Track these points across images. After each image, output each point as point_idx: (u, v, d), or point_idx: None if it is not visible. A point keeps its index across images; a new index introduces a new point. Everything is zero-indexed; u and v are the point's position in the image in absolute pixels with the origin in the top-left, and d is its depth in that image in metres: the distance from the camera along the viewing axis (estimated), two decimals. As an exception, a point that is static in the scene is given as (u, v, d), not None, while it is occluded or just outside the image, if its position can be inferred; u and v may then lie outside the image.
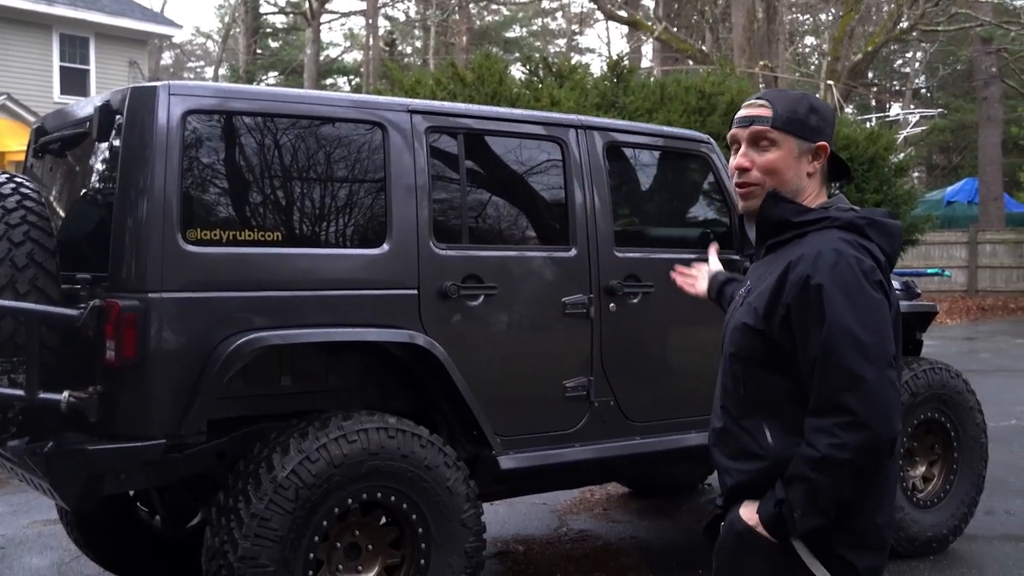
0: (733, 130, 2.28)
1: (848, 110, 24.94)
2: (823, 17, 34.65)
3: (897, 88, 41.50)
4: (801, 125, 2.21)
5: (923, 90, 40.29)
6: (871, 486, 2.10)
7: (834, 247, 2.09)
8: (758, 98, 2.27)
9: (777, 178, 2.21)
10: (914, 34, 24.99)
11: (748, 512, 2.14)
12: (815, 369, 2.04)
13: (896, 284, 5.78)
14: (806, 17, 37.39)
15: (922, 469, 5.59)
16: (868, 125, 12.95)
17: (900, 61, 41.76)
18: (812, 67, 36.48)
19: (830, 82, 21.05)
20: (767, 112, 2.21)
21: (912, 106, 33.53)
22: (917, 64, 39.76)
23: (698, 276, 3.18)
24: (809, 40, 41.63)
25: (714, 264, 3.14)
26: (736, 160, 2.25)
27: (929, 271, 7.31)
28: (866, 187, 10.43)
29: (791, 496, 2.04)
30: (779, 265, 2.14)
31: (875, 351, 2.02)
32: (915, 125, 24.67)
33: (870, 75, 35.83)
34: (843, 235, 2.13)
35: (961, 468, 5.59)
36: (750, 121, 2.23)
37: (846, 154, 10.29)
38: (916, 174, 33.50)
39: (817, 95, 23.74)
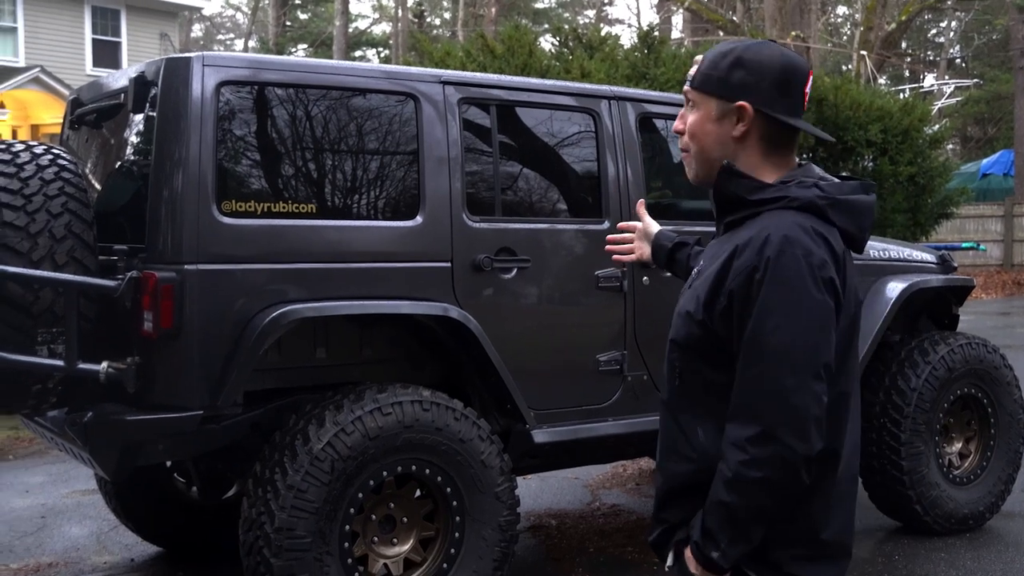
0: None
1: (881, 81, 24.63)
2: (856, -14, 34.16)
3: (931, 58, 40.92)
4: (719, 83, 1.94)
5: (958, 60, 39.72)
6: (809, 499, 1.88)
7: (784, 233, 1.83)
8: (703, 55, 2.05)
9: (698, 143, 1.98)
10: (948, 3, 24.61)
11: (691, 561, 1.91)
12: (737, 369, 1.86)
13: (932, 258, 5.74)
14: (839, -14, 36.88)
15: (958, 445, 5.54)
16: (902, 96, 12.78)
17: (934, 31, 41.17)
18: (844, 38, 36.03)
19: (863, 52, 20.79)
20: (694, 70, 2.00)
21: (947, 77, 33.09)
22: (952, 34, 39.19)
23: (634, 241, 2.76)
24: (841, 10, 41.10)
25: (649, 224, 2.75)
26: (675, 123, 2.08)
27: (964, 245, 7.21)
28: (900, 159, 10.29)
29: (712, 525, 1.84)
30: (727, 248, 1.90)
31: (801, 359, 1.80)
32: (950, 96, 24.36)
33: (904, 45, 35.34)
34: (799, 218, 1.86)
35: (998, 444, 5.53)
36: (687, 81, 2.02)
37: (880, 125, 10.15)
38: (951, 146, 33.10)
39: (850, 66, 23.42)
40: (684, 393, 1.97)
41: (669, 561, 1.98)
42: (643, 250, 2.72)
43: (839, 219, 1.88)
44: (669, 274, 2.72)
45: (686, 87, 2.01)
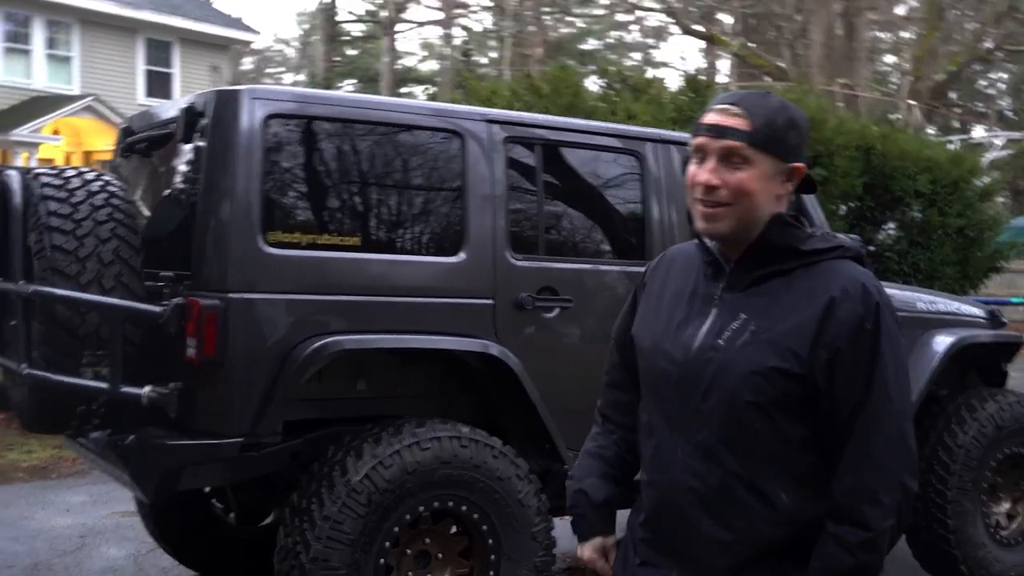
0: (701, 138, 1.94)
1: (930, 131, 24.47)
2: (904, 35, 34.07)
3: (981, 110, 40.60)
4: (779, 143, 1.91)
5: (1008, 112, 39.37)
6: None
7: (874, 283, 1.87)
8: (732, 103, 1.93)
9: (749, 201, 1.90)
10: (998, 54, 24.45)
11: None
12: (851, 433, 1.84)
13: (981, 312, 5.65)
14: (887, 35, 36.80)
15: (1007, 506, 5.38)
16: (951, 147, 12.67)
17: (984, 82, 40.87)
18: (892, 87, 35.89)
19: (912, 102, 20.68)
20: (743, 124, 1.89)
21: (996, 128, 32.78)
22: (1002, 85, 38.87)
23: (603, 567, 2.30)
24: (889, 58, 40.97)
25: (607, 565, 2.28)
26: (704, 176, 1.91)
27: (1014, 300, 7.10)
28: (949, 211, 10.17)
29: None
30: (804, 298, 1.87)
31: (910, 405, 1.89)
32: (1001, 148, 24.12)
33: (952, 95, 35.11)
34: (860, 268, 1.91)
35: (1047, 505, 5.40)
36: (723, 132, 1.90)
37: (929, 176, 10.06)
38: (1001, 199, 32.72)
39: (898, 115, 23.30)
40: (761, 456, 1.88)
41: None
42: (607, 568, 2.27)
43: (869, 268, 1.95)
44: None
45: (735, 143, 1.89)
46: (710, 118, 1.93)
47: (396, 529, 3.69)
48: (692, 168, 1.96)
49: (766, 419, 1.86)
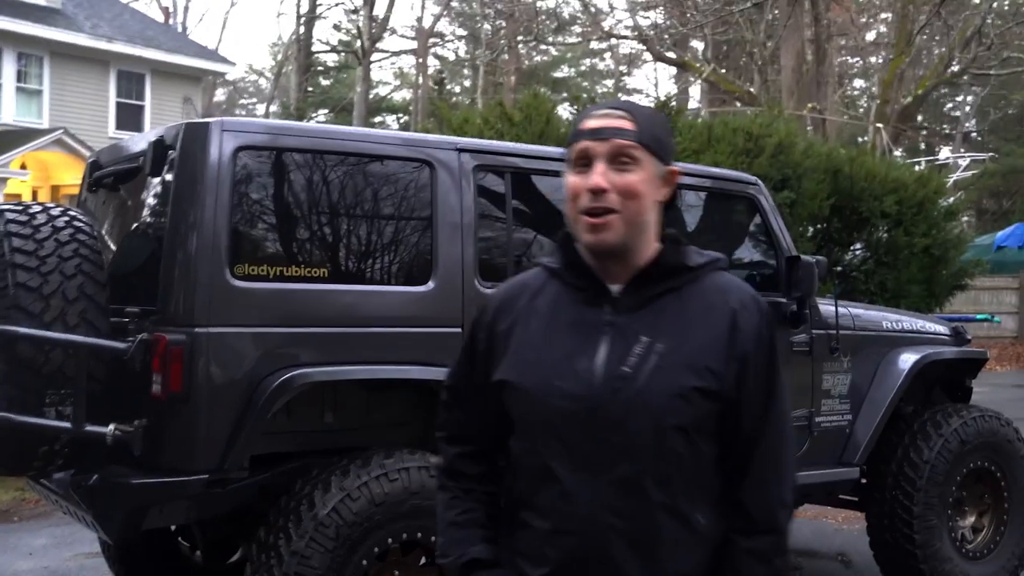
0: (582, 144, 1.84)
1: (897, 153, 24.76)
2: (873, 60, 34.51)
3: (947, 131, 41.13)
4: (660, 143, 1.86)
5: (973, 134, 39.90)
6: None
7: (754, 292, 1.92)
8: (612, 107, 1.87)
9: (637, 204, 1.81)
10: (965, 78, 24.82)
11: None
12: (757, 442, 1.85)
13: (945, 329, 5.71)
14: (856, 60, 37.27)
15: (971, 519, 5.46)
16: (917, 168, 12.82)
17: (950, 104, 41.42)
18: (861, 110, 36.29)
19: (879, 125, 20.92)
20: (629, 124, 1.83)
21: (962, 150, 33.21)
22: (968, 108, 39.42)
23: None
24: (858, 83, 41.48)
25: None
26: (593, 179, 1.80)
27: (978, 317, 7.22)
28: (915, 231, 10.28)
29: None
30: (705, 314, 1.84)
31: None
32: (965, 169, 24.43)
33: (920, 118, 35.56)
34: (737, 279, 1.95)
35: (1012, 519, 5.45)
36: (610, 133, 1.82)
37: (895, 197, 10.16)
38: (966, 218, 33.12)
39: (866, 138, 23.56)
40: (681, 481, 1.81)
41: None
42: None
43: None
44: None
45: (624, 141, 1.82)
46: (593, 123, 1.85)
47: (364, 562, 3.65)
48: (573, 178, 1.85)
49: (687, 442, 1.80)
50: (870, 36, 33.36)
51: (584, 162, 1.84)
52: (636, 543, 1.79)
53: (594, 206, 1.80)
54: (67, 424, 3.49)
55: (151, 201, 4.14)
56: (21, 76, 22.64)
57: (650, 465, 1.79)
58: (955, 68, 22.93)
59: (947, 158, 31.15)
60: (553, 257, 1.97)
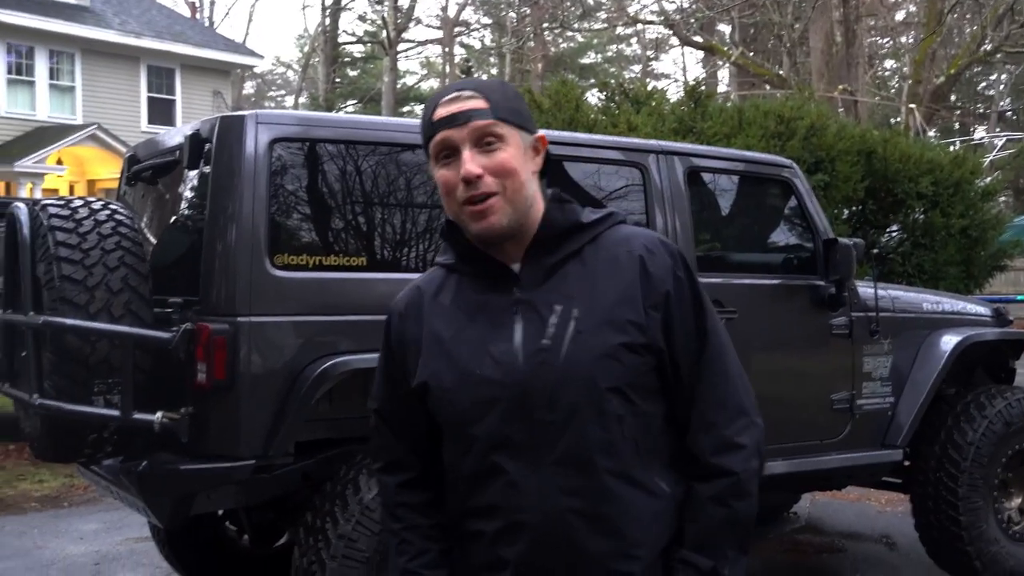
0: (441, 134, 1.76)
1: (931, 134, 24.50)
2: (904, 40, 34.13)
3: (982, 111, 40.62)
4: (519, 114, 1.79)
5: (1008, 113, 39.38)
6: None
7: (663, 237, 1.86)
8: (459, 89, 1.79)
9: (515, 180, 1.75)
10: (998, 56, 24.49)
11: None
12: (696, 385, 1.79)
13: (986, 311, 5.66)
14: (886, 40, 36.86)
15: (1018, 501, 5.41)
16: (952, 149, 12.69)
17: (984, 83, 40.92)
18: (892, 90, 35.92)
19: (912, 106, 20.71)
20: (483, 103, 1.75)
21: (998, 129, 32.80)
22: (1002, 86, 38.92)
23: None
24: (889, 63, 41.02)
25: None
26: (466, 167, 1.72)
27: (1019, 297, 7.13)
28: (951, 212, 10.17)
29: (726, 548, 1.75)
30: (612, 268, 1.78)
31: (739, 363, 1.85)
32: (1001, 148, 24.13)
33: (953, 98, 35.16)
34: (640, 228, 1.89)
35: (1058, 501, 5.41)
36: (465, 117, 1.74)
37: (930, 178, 10.06)
38: (1003, 198, 32.73)
39: (898, 119, 23.30)
40: (631, 448, 1.75)
41: None
42: None
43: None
44: None
45: (484, 121, 1.74)
46: (444, 111, 1.77)
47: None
48: (443, 172, 1.78)
49: (626, 403, 1.73)
50: (900, 16, 32.99)
51: (448, 153, 1.77)
52: (597, 520, 1.72)
53: (473, 194, 1.74)
54: (116, 412, 3.55)
55: (189, 194, 4.18)
56: (54, 73, 22.91)
57: (593, 435, 1.72)
58: (988, 47, 22.62)
59: (982, 138, 30.77)
60: (446, 255, 1.91)
